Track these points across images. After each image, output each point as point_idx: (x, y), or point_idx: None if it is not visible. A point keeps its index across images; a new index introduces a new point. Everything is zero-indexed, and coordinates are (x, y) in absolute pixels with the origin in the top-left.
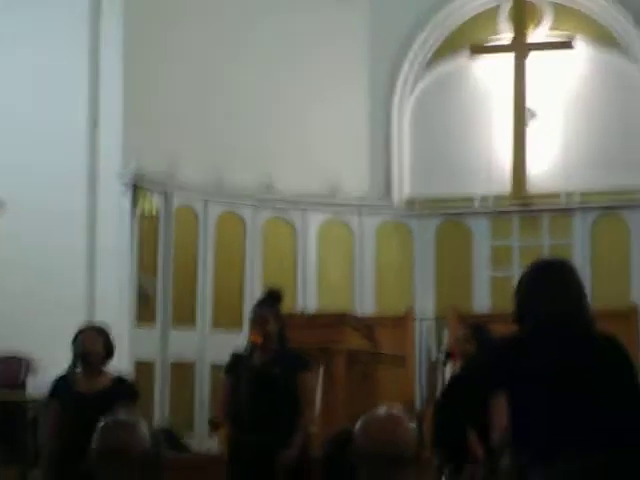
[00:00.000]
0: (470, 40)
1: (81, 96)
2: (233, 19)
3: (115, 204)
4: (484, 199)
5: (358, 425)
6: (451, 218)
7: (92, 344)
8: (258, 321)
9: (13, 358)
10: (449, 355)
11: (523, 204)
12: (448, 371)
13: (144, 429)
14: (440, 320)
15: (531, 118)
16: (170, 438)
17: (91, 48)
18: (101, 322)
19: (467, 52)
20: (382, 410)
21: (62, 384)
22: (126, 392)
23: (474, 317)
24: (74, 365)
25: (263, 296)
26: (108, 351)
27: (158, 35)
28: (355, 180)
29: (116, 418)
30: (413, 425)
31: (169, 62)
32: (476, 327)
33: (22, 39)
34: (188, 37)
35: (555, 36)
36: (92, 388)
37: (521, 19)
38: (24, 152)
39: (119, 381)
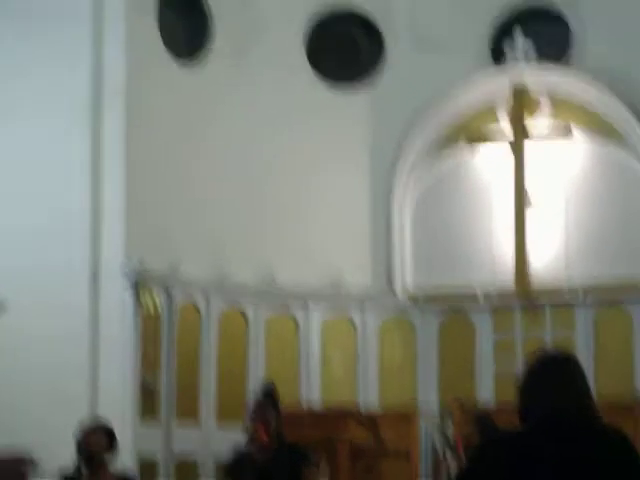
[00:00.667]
0: (469, 131)
1: (83, 192)
2: (234, 114)
3: (118, 300)
4: (487, 293)
5: None
6: (454, 312)
7: (96, 444)
8: (259, 418)
9: (18, 460)
10: (453, 447)
11: (526, 298)
12: (452, 463)
13: None
14: (444, 413)
15: (532, 207)
16: None
17: (93, 143)
18: (104, 418)
19: (466, 144)
20: None
21: None
22: None
23: (478, 409)
24: (78, 464)
25: (262, 393)
26: (112, 449)
27: (159, 128)
28: (357, 273)
29: None
30: None
31: (170, 158)
32: (479, 418)
33: (19, 127)
34: (187, 132)
35: (553, 126)
36: None
37: (519, 108)
38: (26, 250)
39: (125, 478)
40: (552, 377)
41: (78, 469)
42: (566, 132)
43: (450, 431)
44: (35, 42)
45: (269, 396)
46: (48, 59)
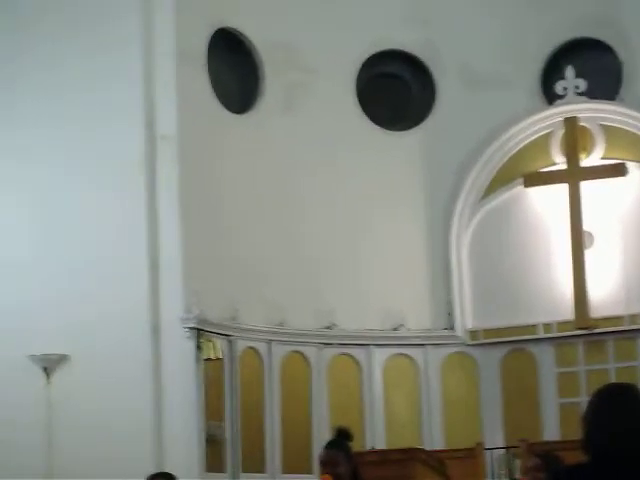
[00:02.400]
0: (523, 170)
1: (141, 244)
2: (287, 162)
3: (179, 350)
4: (547, 326)
5: None
6: (515, 347)
7: None
8: (329, 463)
9: None
10: None
11: (587, 329)
12: None
13: None
14: (510, 450)
15: (590, 243)
16: None
17: (149, 195)
18: (170, 470)
19: (521, 182)
20: None
21: None
22: None
23: (544, 445)
24: None
25: (332, 436)
26: None
27: (212, 178)
28: (417, 313)
29: None
30: None
31: (226, 204)
32: (546, 456)
33: (77, 182)
34: (240, 181)
35: (607, 161)
36: None
37: (573, 146)
38: (87, 304)
39: None
40: (612, 408)
41: None
42: (621, 168)
43: (517, 469)
44: (88, 97)
45: (338, 437)
46: (101, 113)
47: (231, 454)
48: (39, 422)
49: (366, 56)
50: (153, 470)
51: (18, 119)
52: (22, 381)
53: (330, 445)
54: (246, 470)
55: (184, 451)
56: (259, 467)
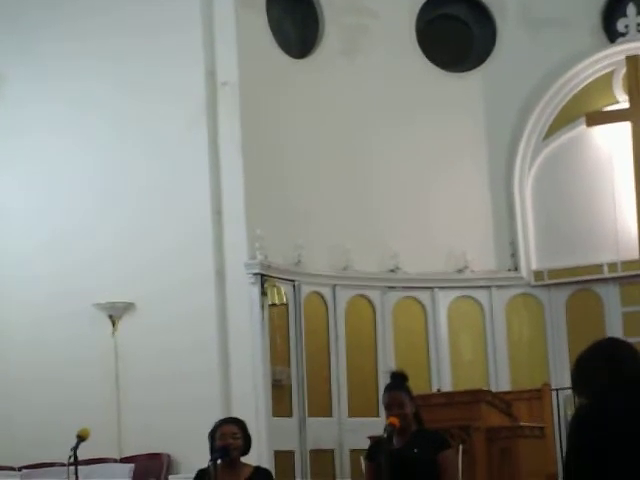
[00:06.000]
0: (586, 108)
1: (203, 191)
2: (348, 107)
3: (244, 296)
4: (612, 266)
5: None
6: (580, 287)
7: (230, 437)
8: (395, 404)
9: (155, 455)
10: None
11: None
12: None
13: None
14: None
15: None
16: None
17: (210, 142)
18: (237, 415)
19: (584, 121)
20: None
21: (202, 478)
22: None
23: None
24: (214, 459)
25: (391, 379)
26: (246, 443)
27: (274, 123)
28: (481, 255)
29: None
30: None
31: (289, 150)
32: None
33: (139, 133)
34: (303, 125)
35: None
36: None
37: (636, 84)
38: (151, 254)
39: (259, 471)
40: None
41: (214, 463)
42: None
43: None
44: (147, 43)
45: (398, 379)
46: (161, 59)
47: (297, 398)
48: (107, 370)
49: None
50: (221, 415)
51: (74, 66)
52: (89, 330)
53: (392, 387)
54: (312, 414)
55: (251, 396)
56: (325, 411)
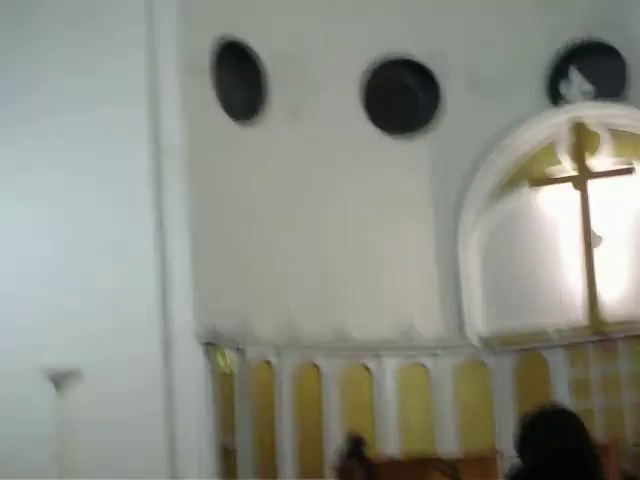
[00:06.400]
0: (531, 173)
1: (149, 256)
2: (294, 172)
3: (191, 361)
4: (559, 331)
5: None
6: (527, 352)
7: None
8: (344, 473)
9: None
10: None
11: (598, 333)
12: None
13: None
14: None
15: (599, 243)
16: None
17: (156, 209)
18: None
19: (529, 185)
20: None
21: None
22: None
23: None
24: None
25: (346, 444)
26: None
27: (220, 189)
28: (428, 320)
29: None
30: None
31: (235, 215)
32: None
33: (83, 199)
34: (249, 191)
35: (615, 163)
36: None
37: (580, 147)
38: (98, 316)
39: None
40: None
41: None
42: (628, 169)
43: None
44: (92, 111)
45: (353, 445)
46: (105, 127)
47: (243, 462)
48: (50, 436)
49: (371, 64)
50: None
51: (19, 135)
52: (33, 395)
53: (345, 455)
54: (260, 478)
55: (197, 460)
56: (273, 474)
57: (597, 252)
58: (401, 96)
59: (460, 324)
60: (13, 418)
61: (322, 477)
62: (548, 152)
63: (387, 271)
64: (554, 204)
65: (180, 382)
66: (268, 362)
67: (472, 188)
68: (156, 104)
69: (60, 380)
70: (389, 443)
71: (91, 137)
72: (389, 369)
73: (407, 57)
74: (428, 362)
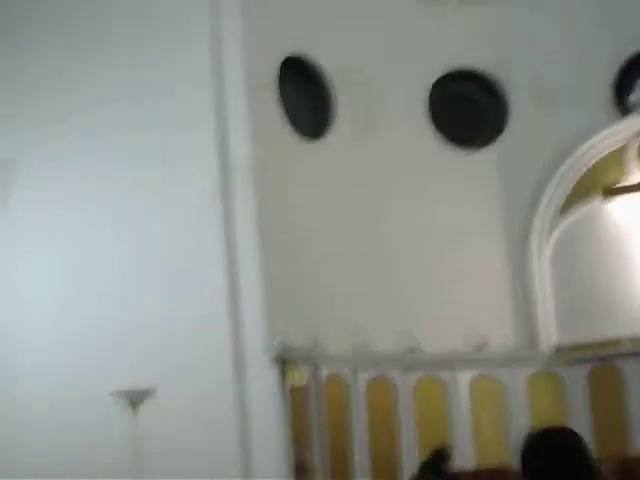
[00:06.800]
0: (600, 183)
1: (219, 275)
2: (362, 187)
3: (264, 380)
4: (632, 340)
5: None
6: (601, 362)
7: None
8: None
9: None
10: None
11: None
12: None
13: None
14: (601, 465)
15: None
16: None
17: (225, 226)
18: None
19: (598, 196)
20: None
21: None
22: None
23: (637, 461)
24: None
25: (428, 457)
26: None
27: (290, 206)
28: (500, 332)
29: None
30: None
31: (303, 230)
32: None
33: (154, 217)
34: (317, 207)
35: None
36: None
37: None
38: (171, 339)
39: None
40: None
41: None
42: None
43: None
44: (162, 131)
45: (434, 458)
46: (176, 147)
47: (319, 478)
48: (127, 457)
49: (437, 77)
50: None
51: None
52: (108, 416)
53: (424, 466)
54: None
55: (274, 478)
56: None
57: None
58: (468, 108)
59: (533, 336)
60: (92, 440)
61: None
62: (617, 163)
63: (459, 284)
64: (625, 214)
65: (254, 401)
66: (341, 377)
67: (542, 200)
68: (224, 122)
69: (135, 400)
70: (464, 456)
71: (160, 157)
72: (463, 382)
73: (473, 68)
74: (501, 374)
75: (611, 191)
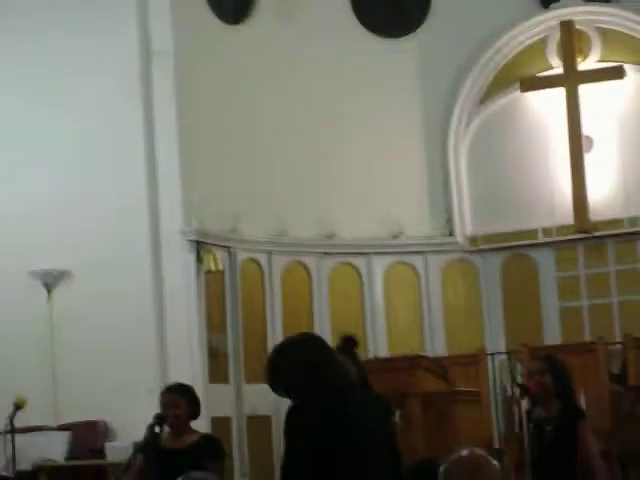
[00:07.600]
0: (520, 74)
1: (138, 157)
2: (283, 72)
3: (180, 263)
4: (547, 231)
5: (442, 468)
6: (515, 252)
7: (171, 406)
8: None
9: (92, 422)
10: (525, 389)
11: (586, 233)
12: (524, 405)
13: None
14: (512, 355)
15: (589, 146)
16: None
17: (145, 111)
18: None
19: (518, 87)
20: (465, 452)
21: (149, 440)
22: (213, 449)
23: (546, 349)
24: (149, 426)
25: (338, 343)
26: (192, 408)
27: (209, 90)
28: (417, 222)
29: (192, 476)
30: (497, 464)
31: (225, 116)
32: (549, 359)
33: (74, 105)
34: (239, 91)
35: (605, 64)
36: (178, 445)
37: (570, 49)
38: (87, 220)
39: (206, 439)
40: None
41: (151, 430)
42: (618, 71)
43: (519, 374)
44: (80, 16)
45: (344, 345)
46: (95, 29)
47: (234, 365)
48: (41, 338)
49: None
50: (157, 383)
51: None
52: (23, 297)
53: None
54: (249, 381)
55: (187, 363)
56: (262, 377)
57: (586, 155)
58: None
59: (449, 226)
60: (5, 320)
61: None
62: (538, 54)
63: (376, 173)
64: (544, 106)
65: (169, 284)
66: (257, 262)
67: (462, 89)
68: (145, 6)
69: (50, 281)
70: (378, 343)
71: (79, 38)
72: (378, 270)
73: None
74: (417, 262)
75: (530, 83)
